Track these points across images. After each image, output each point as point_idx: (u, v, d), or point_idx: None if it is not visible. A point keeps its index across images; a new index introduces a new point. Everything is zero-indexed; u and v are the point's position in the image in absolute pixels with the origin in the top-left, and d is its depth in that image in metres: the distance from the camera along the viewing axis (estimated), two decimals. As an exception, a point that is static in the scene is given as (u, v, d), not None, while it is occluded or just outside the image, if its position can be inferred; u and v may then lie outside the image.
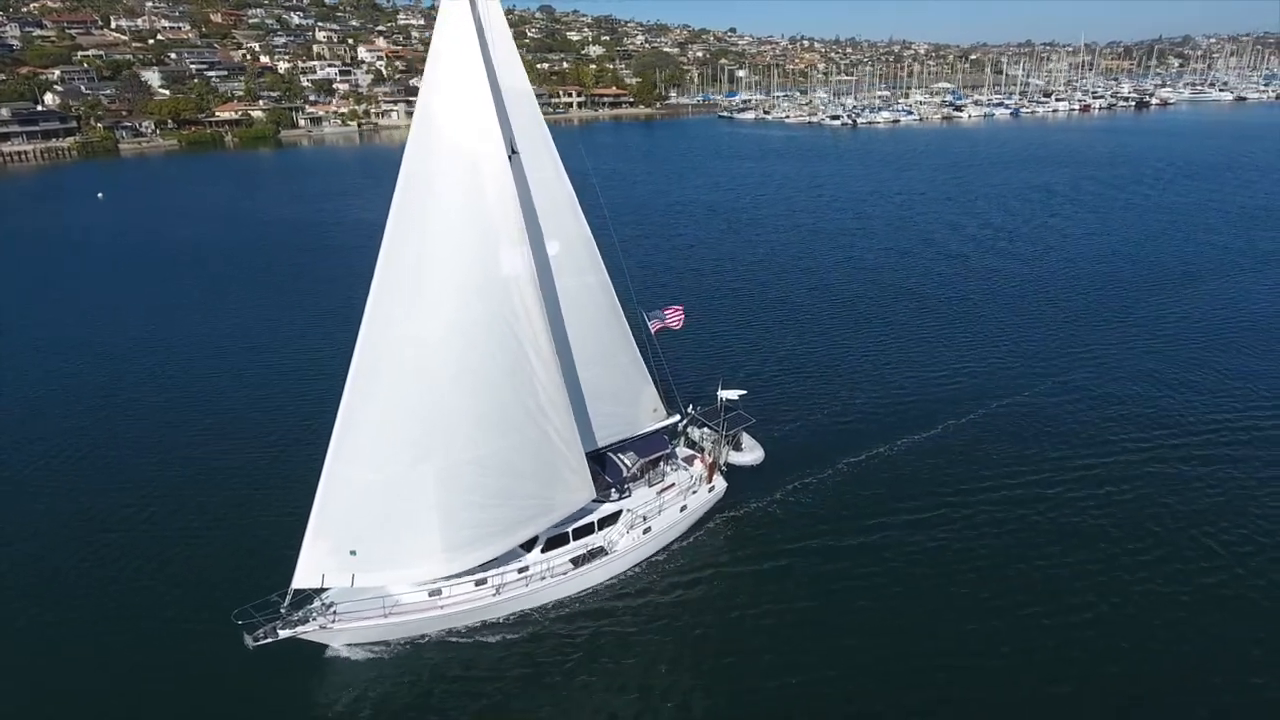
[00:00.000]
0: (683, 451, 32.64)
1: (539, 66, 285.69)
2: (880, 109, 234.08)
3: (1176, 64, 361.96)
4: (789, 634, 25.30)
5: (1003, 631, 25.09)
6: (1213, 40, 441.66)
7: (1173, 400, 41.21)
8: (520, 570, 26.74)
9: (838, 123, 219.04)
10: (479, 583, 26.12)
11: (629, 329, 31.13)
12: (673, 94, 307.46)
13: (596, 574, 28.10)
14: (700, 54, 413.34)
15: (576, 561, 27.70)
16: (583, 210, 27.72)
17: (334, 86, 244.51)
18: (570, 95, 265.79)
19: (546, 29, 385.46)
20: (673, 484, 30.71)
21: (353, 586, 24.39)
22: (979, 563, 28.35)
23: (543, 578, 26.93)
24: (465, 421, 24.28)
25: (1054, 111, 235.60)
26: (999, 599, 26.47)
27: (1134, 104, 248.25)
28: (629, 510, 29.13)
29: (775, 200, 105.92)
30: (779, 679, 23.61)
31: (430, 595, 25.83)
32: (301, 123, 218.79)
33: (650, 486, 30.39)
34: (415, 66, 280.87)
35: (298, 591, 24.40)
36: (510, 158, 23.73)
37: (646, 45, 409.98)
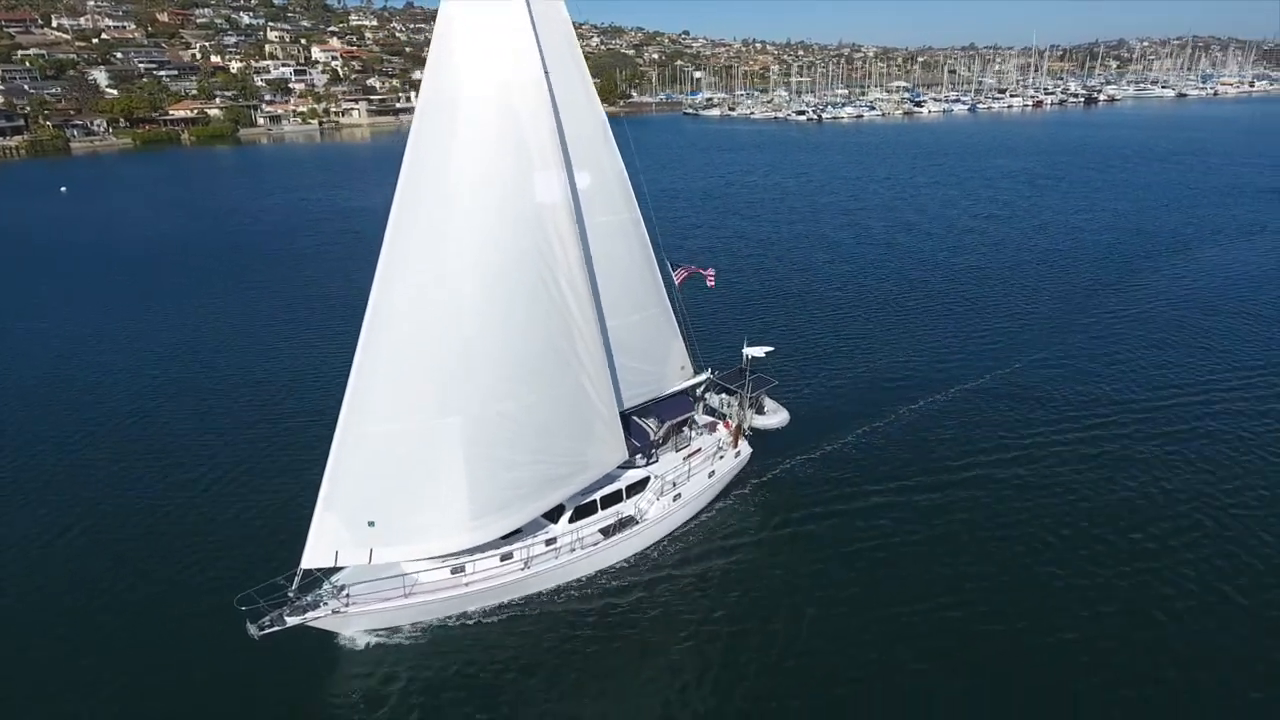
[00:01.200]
0: (701, 418, 30.67)
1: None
2: (844, 105, 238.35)
3: (1114, 65, 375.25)
4: (831, 604, 23.52)
5: (1035, 592, 23.73)
6: (1145, 43, 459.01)
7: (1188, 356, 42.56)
8: (548, 542, 24.36)
9: (803, 118, 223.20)
10: (505, 557, 23.64)
11: (660, 276, 28.88)
12: (634, 93, 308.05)
13: (627, 545, 25.90)
14: (656, 55, 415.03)
15: (606, 532, 25.38)
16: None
17: (290, 86, 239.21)
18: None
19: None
20: (699, 449, 28.69)
21: (370, 564, 21.76)
22: (1009, 523, 27.11)
23: (572, 549, 24.58)
24: (494, 369, 21.81)
25: (1009, 107, 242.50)
26: (1032, 558, 25.31)
27: (1083, 100, 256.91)
28: (657, 477, 26.95)
29: (767, 185, 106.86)
30: (826, 651, 21.81)
31: (453, 573, 23.22)
32: (260, 121, 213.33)
33: (677, 452, 28.34)
34: (372, 67, 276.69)
35: (307, 573, 21.69)
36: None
37: (602, 47, 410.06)
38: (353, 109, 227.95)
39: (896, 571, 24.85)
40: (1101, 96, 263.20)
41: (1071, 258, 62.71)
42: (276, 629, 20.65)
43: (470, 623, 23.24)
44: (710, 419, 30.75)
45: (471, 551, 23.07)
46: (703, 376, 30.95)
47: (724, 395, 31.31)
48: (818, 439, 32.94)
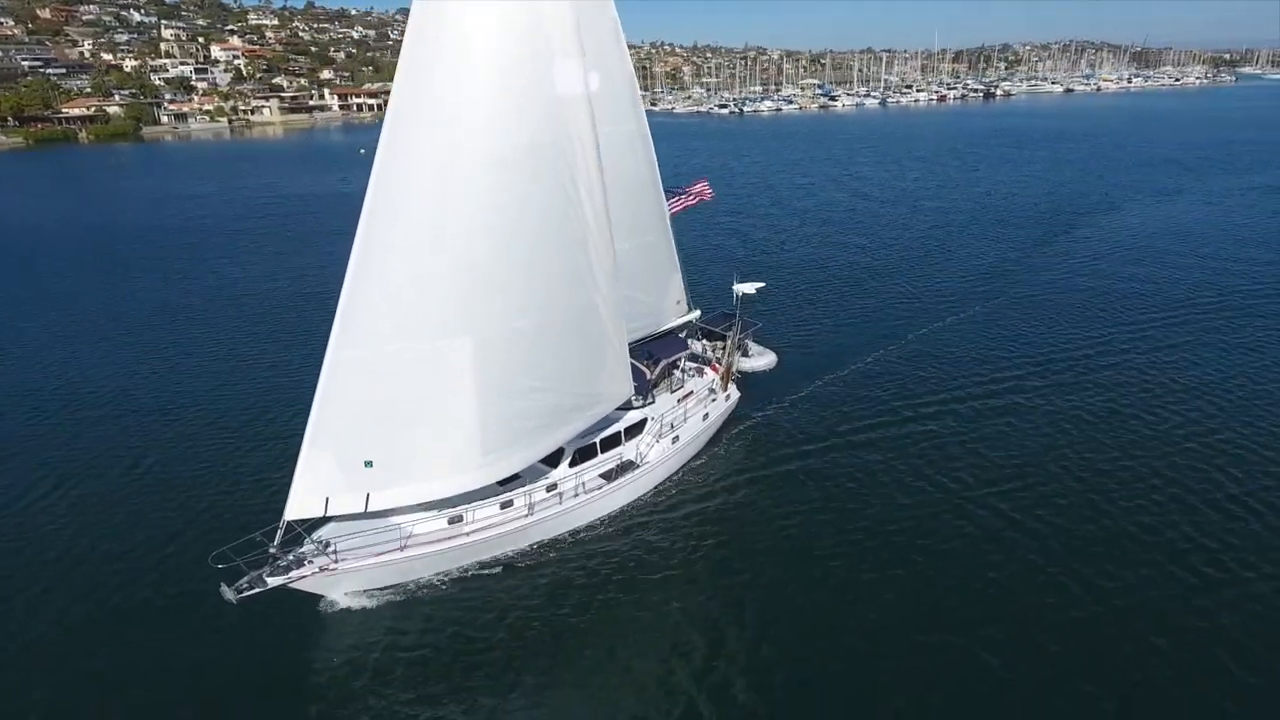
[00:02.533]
0: (688, 361, 29.54)
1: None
2: (762, 99, 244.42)
3: (1004, 66, 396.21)
4: (838, 546, 22.19)
5: (999, 518, 23.27)
6: (1028, 47, 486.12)
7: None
8: (549, 488, 22.61)
9: (725, 111, 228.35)
10: (505, 505, 21.77)
11: (664, 198, 27.47)
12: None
13: (628, 490, 24.40)
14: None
15: (608, 476, 23.83)
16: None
17: (193, 84, 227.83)
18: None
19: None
20: (692, 391, 27.64)
21: (366, 510, 19.38)
22: (996, 453, 26.96)
23: (575, 494, 22.81)
24: (506, 283, 19.60)
25: (915, 101, 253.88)
26: (995, 482, 25.15)
27: (982, 95, 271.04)
28: (653, 419, 25.53)
29: (715, 168, 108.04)
30: (838, 590, 20.46)
31: (450, 523, 21.07)
32: (164, 119, 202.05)
33: (671, 393, 27.06)
34: (277, 66, 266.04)
35: (292, 526, 19.27)
36: None
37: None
38: (264, 107, 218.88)
39: (886, 502, 24.16)
40: (998, 92, 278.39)
41: (1012, 218, 67.30)
42: (256, 591, 17.99)
43: (466, 578, 21.10)
44: (694, 364, 29.78)
45: (470, 499, 21.08)
46: (696, 313, 30.10)
47: (705, 342, 30.46)
48: (804, 379, 32.85)
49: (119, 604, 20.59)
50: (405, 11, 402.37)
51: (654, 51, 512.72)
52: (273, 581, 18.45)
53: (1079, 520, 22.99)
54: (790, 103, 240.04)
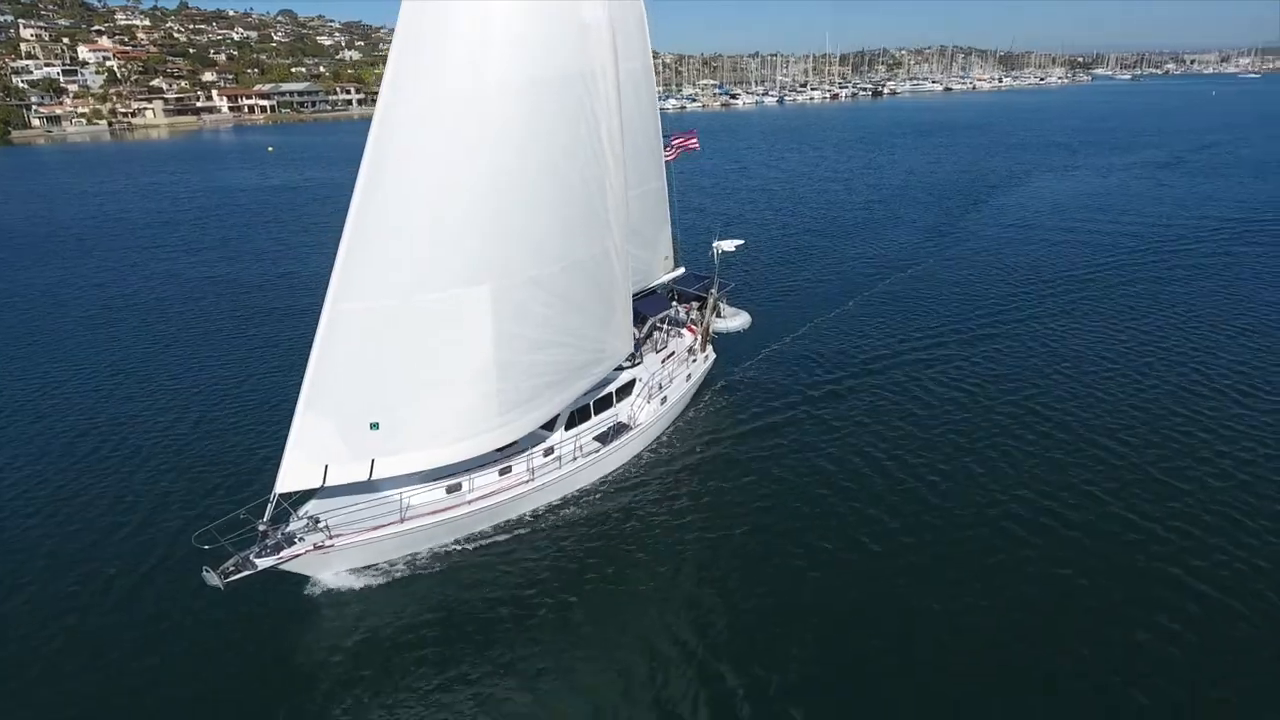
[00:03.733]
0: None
1: (295, 70, 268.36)
2: (666, 98, 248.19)
3: (884, 68, 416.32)
4: (827, 495, 21.76)
5: (961, 452, 23.82)
6: (904, 51, 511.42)
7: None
8: (546, 452, 21.31)
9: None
10: (503, 471, 20.40)
11: (661, 145, 26.31)
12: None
13: (623, 452, 23.32)
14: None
15: (603, 439, 22.68)
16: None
17: (62, 86, 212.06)
18: (350, 93, 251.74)
19: (293, 33, 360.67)
20: (673, 351, 27.11)
21: (371, 478, 17.79)
22: (937, 395, 27.97)
23: (574, 458, 21.55)
24: (525, 228, 18.02)
25: (810, 99, 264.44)
26: (948, 423, 25.92)
27: (871, 93, 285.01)
28: (641, 380, 24.67)
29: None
30: (837, 537, 19.91)
31: (449, 492, 19.59)
32: (35, 122, 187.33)
33: (656, 353, 26.43)
34: (154, 68, 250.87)
35: (282, 499, 17.44)
36: None
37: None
38: (146, 109, 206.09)
39: (866, 452, 24.14)
40: (886, 90, 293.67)
41: (937, 190, 73.16)
42: (244, 574, 16.14)
43: (463, 550, 19.61)
44: (674, 326, 29.28)
45: (466, 467, 19.71)
46: (680, 270, 29.59)
47: (675, 305, 29.67)
48: (774, 336, 33.53)
49: (93, 594, 18.42)
50: (287, 13, 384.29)
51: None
52: (262, 563, 16.47)
53: (1036, 450, 23.76)
54: (694, 100, 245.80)
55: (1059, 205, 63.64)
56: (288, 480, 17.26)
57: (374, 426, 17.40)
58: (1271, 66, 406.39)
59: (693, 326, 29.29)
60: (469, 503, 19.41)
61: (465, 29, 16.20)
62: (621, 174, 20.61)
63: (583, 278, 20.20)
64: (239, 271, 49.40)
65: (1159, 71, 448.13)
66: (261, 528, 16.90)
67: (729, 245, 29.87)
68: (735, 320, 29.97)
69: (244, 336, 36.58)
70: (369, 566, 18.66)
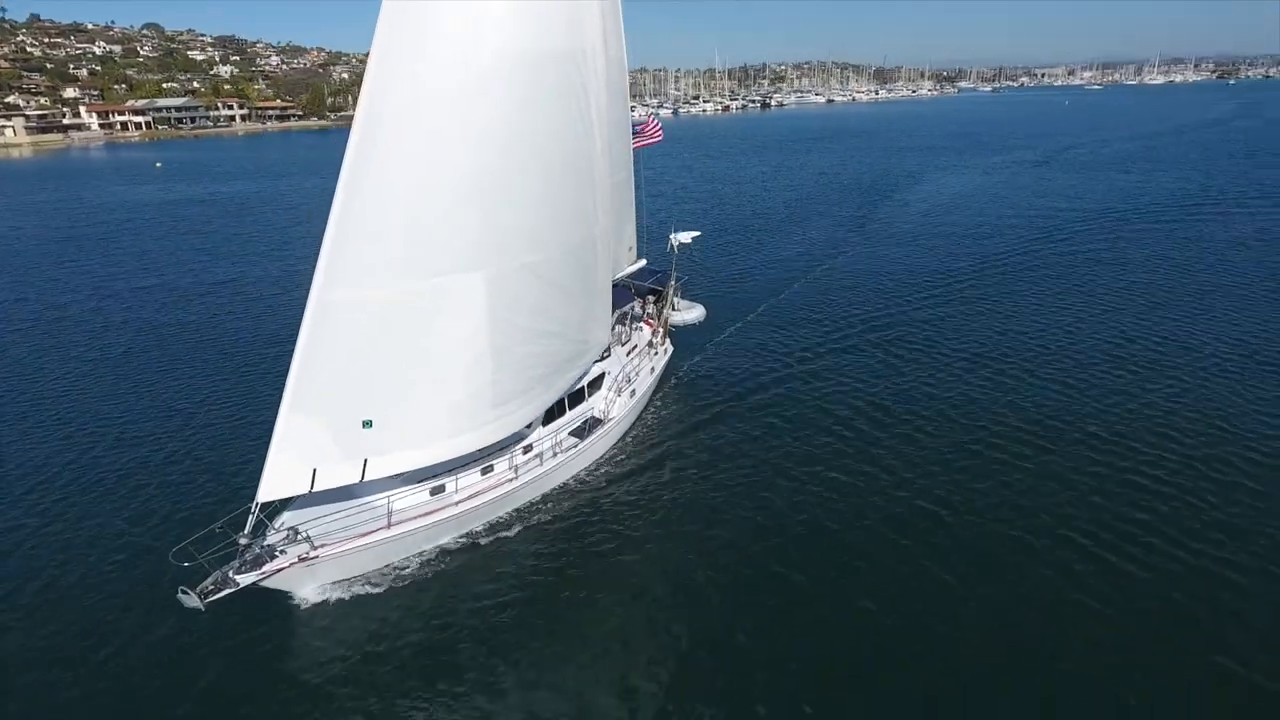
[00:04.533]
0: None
1: (166, 86, 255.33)
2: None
3: (767, 82, 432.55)
4: (798, 475, 22.09)
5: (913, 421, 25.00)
6: (782, 66, 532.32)
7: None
8: (526, 450, 20.46)
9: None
10: (485, 470, 19.58)
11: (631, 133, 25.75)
12: (350, 107, 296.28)
13: (598, 446, 22.86)
14: (346, 75, 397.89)
15: (578, 434, 22.15)
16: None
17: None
18: (232, 108, 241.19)
19: (161, 47, 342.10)
20: (636, 344, 26.83)
21: (363, 480, 16.76)
22: (882, 368, 29.53)
23: (554, 454, 20.89)
24: (518, 213, 17.30)
25: (703, 111, 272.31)
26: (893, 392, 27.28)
27: (760, 105, 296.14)
28: (610, 374, 24.28)
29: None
30: (811, 510, 20.33)
31: (433, 494, 18.59)
32: None
33: (621, 345, 26.13)
34: (9, 84, 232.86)
35: (263, 507, 16.16)
36: None
37: (284, 65, 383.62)
38: (6, 127, 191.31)
39: (841, 429, 24.86)
40: (773, 102, 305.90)
41: (850, 187, 78.95)
42: (226, 593, 14.81)
43: (444, 555, 18.67)
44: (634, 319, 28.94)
45: (450, 468, 18.86)
46: (642, 262, 29.13)
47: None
48: (728, 325, 34.40)
49: (63, 620, 16.88)
50: (153, 26, 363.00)
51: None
52: (244, 579, 15.12)
53: (977, 418, 25.04)
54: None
55: (959, 196, 69.35)
56: (272, 487, 15.84)
57: (366, 424, 16.39)
58: (1111, 79, 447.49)
59: (650, 320, 28.99)
60: (456, 504, 18.43)
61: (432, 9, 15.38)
62: (607, 158, 20.44)
63: (573, 264, 19.64)
64: (171, 281, 47.43)
65: (1015, 84, 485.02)
66: (243, 541, 15.45)
67: (686, 237, 30.02)
68: (691, 313, 30.08)
69: (188, 346, 35.31)
70: (353, 577, 17.47)
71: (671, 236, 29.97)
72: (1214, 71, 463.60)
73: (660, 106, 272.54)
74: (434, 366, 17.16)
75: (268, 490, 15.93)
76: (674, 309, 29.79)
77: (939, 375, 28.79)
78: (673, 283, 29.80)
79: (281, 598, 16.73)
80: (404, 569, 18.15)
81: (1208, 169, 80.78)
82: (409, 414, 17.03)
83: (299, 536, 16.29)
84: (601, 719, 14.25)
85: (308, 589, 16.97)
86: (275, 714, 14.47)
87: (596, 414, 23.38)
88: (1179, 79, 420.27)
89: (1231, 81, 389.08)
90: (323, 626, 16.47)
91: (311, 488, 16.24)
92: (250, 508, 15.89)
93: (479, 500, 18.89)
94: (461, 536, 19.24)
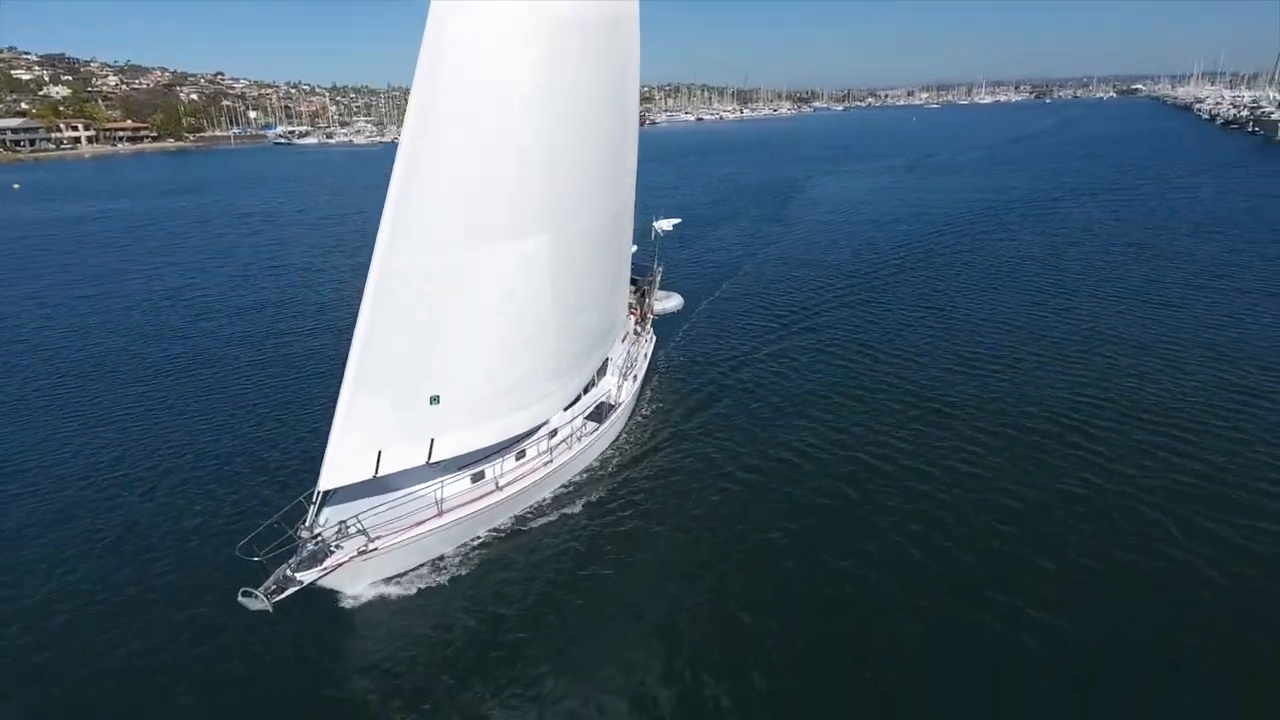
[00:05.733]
0: None
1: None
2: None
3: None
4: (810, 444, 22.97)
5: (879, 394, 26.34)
6: (651, 88, 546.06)
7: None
8: (551, 434, 19.95)
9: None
10: (519, 456, 18.94)
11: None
12: (207, 127, 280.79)
13: (613, 430, 22.67)
14: (196, 97, 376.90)
15: (594, 418, 21.66)
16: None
17: None
18: (76, 129, 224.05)
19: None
20: (627, 331, 26.61)
21: (430, 462, 16.18)
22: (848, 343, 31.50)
23: (579, 438, 20.32)
24: (570, 176, 16.85)
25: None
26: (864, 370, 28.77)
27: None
28: (611, 359, 24.07)
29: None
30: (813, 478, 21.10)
31: (474, 481, 17.68)
32: None
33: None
34: None
35: (326, 495, 15.64)
36: None
37: (124, 86, 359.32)
38: None
39: (830, 401, 26.14)
40: (646, 121, 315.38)
41: (752, 191, 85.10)
42: (291, 592, 13.81)
43: (484, 546, 17.94)
44: None
45: (487, 455, 18.11)
46: (634, 248, 27.59)
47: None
48: (698, 310, 36.15)
49: (106, 633, 15.83)
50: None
51: (293, 91, 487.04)
52: (305, 577, 14.13)
53: (933, 389, 26.78)
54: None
55: (860, 193, 77.67)
56: (335, 474, 14.92)
57: (434, 400, 15.59)
58: (946, 99, 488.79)
59: (634, 308, 28.62)
60: (500, 489, 17.59)
61: None
62: (636, 124, 20.39)
63: (609, 234, 19.15)
64: (114, 290, 46.27)
65: (862, 104, 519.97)
66: (304, 534, 14.65)
67: (667, 224, 30.45)
68: (670, 302, 30.34)
69: (227, 346, 35.01)
70: (403, 571, 16.61)
71: (654, 224, 30.23)
72: (1032, 92, 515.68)
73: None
74: (502, 336, 16.38)
75: (330, 478, 14.88)
76: (655, 297, 29.90)
77: (873, 350, 31.02)
78: (656, 270, 29.96)
79: (329, 596, 15.64)
80: (451, 560, 17.38)
81: (1056, 169, 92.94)
82: (477, 388, 16.17)
83: (354, 529, 15.07)
84: (672, 701, 13.78)
85: (360, 584, 15.89)
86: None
87: (609, 399, 22.94)
88: (1004, 99, 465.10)
89: (1048, 101, 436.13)
90: (379, 621, 15.50)
91: (376, 472, 15.31)
92: (305, 500, 15.13)
93: (519, 485, 18.13)
94: (501, 524, 18.49)
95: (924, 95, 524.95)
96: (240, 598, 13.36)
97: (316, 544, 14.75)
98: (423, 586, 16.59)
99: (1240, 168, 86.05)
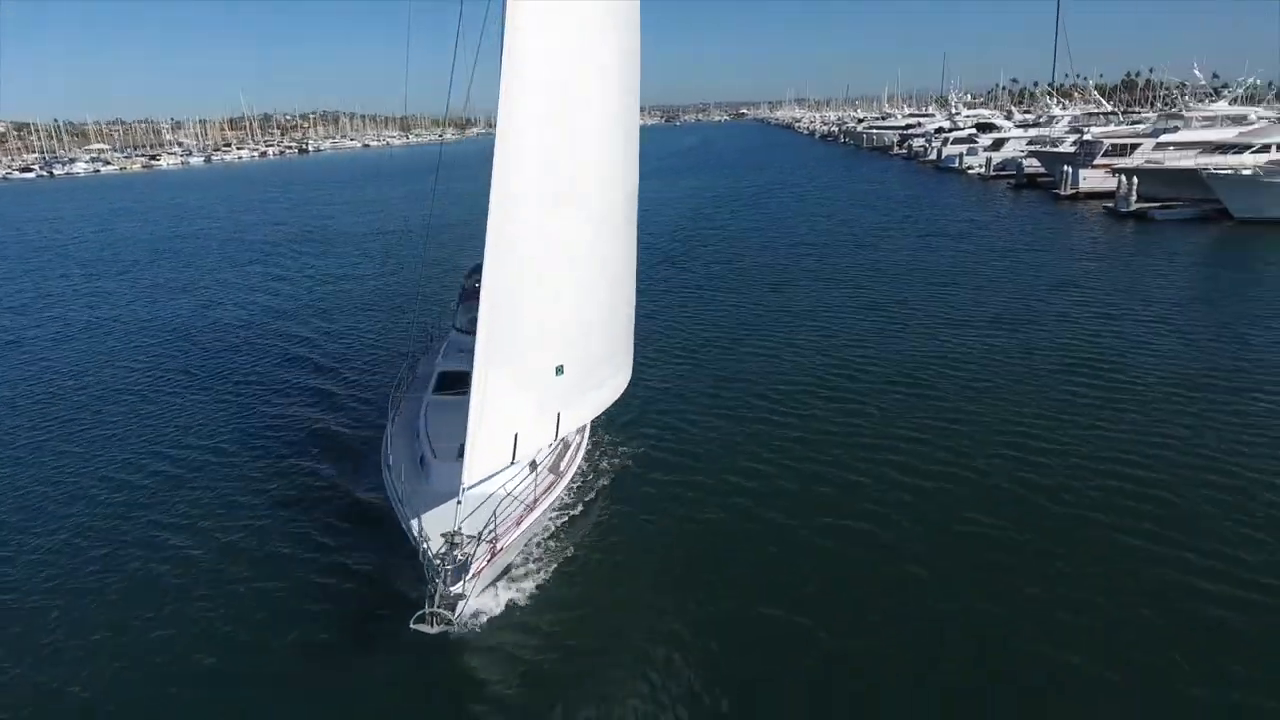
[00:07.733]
0: None
1: None
2: (72, 161, 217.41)
3: (279, 131, 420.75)
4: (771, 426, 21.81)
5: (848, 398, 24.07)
6: (288, 116, 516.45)
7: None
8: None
9: (31, 175, 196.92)
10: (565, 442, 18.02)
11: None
12: None
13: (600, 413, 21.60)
14: None
15: None
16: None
17: None
18: None
19: None
20: None
21: (556, 438, 15.48)
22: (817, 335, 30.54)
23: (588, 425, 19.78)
24: (610, 145, 15.64)
25: (239, 158, 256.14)
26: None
27: (297, 150, 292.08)
28: None
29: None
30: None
31: (530, 468, 15.45)
32: None
33: None
34: None
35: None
36: None
37: None
38: None
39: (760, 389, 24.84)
40: (312, 148, 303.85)
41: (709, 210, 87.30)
42: (461, 606, 12.19)
43: (543, 541, 15.93)
44: None
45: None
46: None
47: None
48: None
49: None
50: None
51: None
52: (467, 588, 12.37)
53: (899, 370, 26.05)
54: (108, 163, 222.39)
55: (730, 198, 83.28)
56: (479, 466, 13.46)
57: (559, 371, 14.43)
58: (738, 114, 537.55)
59: None
60: (563, 474, 16.00)
61: None
62: (636, 127, 19.71)
63: (624, 222, 17.30)
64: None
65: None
66: (458, 538, 12.49)
67: None
68: None
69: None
70: (501, 572, 14.33)
71: None
72: (663, 117, 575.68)
73: (189, 154, 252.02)
74: (608, 293, 15.66)
75: (475, 471, 13.40)
76: None
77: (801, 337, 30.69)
78: None
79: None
80: (527, 560, 15.40)
81: (741, 170, 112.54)
82: (585, 354, 15.19)
83: (488, 531, 13.00)
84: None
85: (483, 582, 13.60)
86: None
87: None
88: (644, 123, 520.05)
89: (678, 124, 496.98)
90: (492, 641, 13.29)
91: (513, 459, 14.11)
92: (460, 488, 13.19)
93: (573, 469, 16.72)
94: (558, 511, 16.70)
95: (718, 116, 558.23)
96: (413, 625, 11.78)
97: (463, 553, 12.43)
98: (521, 587, 14.46)
99: (847, 161, 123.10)
